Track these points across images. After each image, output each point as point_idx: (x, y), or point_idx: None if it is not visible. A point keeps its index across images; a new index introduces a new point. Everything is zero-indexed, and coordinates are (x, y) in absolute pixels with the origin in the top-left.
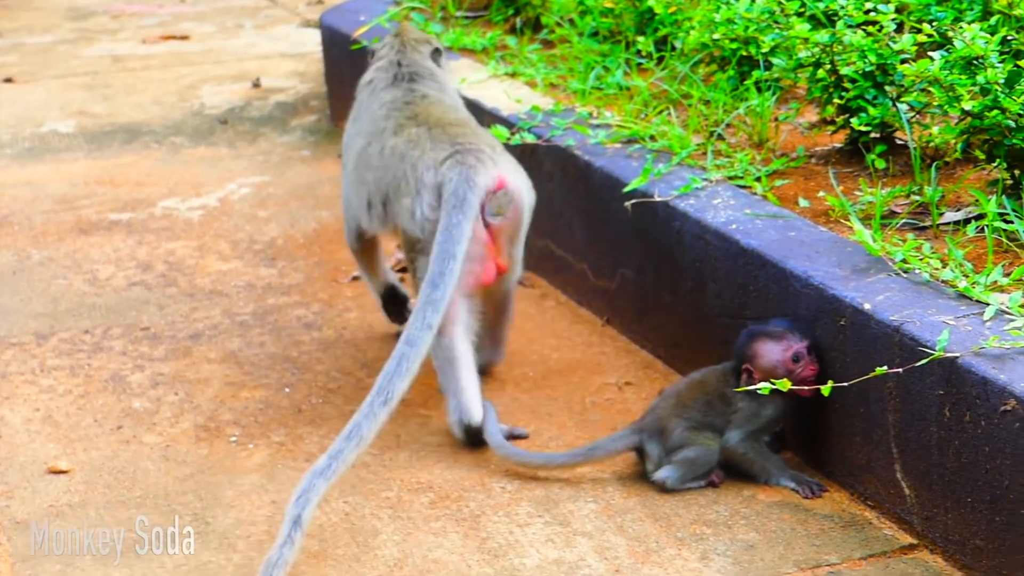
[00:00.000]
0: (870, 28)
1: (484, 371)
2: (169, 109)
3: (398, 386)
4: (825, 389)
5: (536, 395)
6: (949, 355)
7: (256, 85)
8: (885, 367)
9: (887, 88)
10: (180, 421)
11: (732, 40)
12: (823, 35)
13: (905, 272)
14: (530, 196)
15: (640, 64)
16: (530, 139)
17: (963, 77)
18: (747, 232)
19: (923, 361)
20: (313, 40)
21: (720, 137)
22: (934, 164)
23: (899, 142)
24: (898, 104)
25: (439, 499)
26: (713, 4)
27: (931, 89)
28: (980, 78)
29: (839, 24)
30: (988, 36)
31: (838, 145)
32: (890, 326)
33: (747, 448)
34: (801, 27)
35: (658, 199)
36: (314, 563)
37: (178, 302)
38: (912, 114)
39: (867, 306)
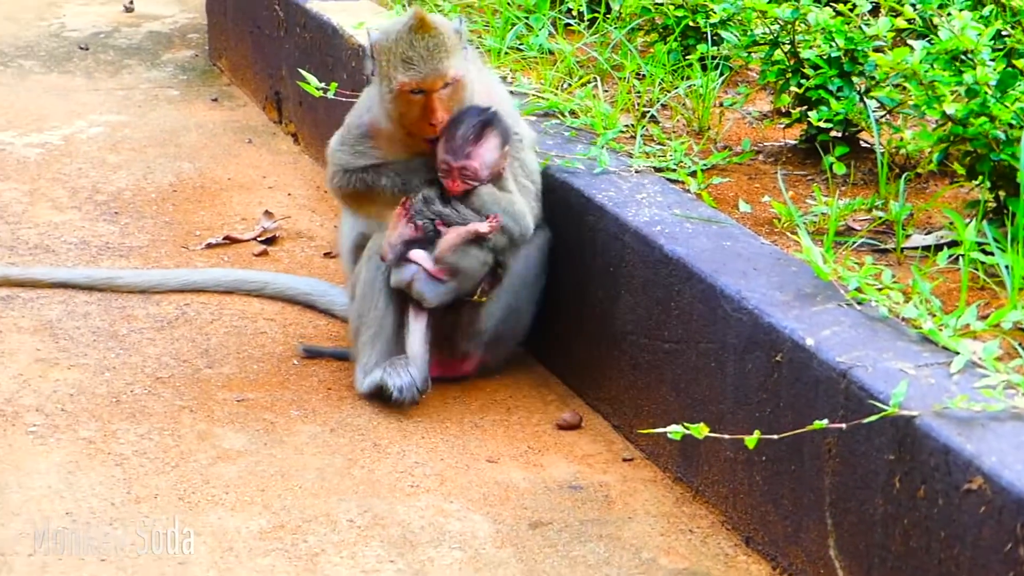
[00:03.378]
0: (840, 7)
1: None
2: (23, 27)
3: None
4: (750, 440)
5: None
6: (905, 413)
7: (129, 9)
8: (826, 421)
9: (855, 80)
10: None
11: (678, 7)
12: (784, 9)
13: (859, 303)
14: None
15: (568, 26)
16: None
17: (947, 74)
18: (673, 236)
19: (872, 417)
20: None
21: (653, 119)
22: (903, 175)
23: (864, 145)
24: (866, 100)
25: (272, 528)
26: None
27: (907, 85)
28: (968, 77)
29: None
30: (981, 28)
31: (791, 142)
32: (835, 370)
33: None
34: None
35: (571, 187)
36: None
37: None
38: (882, 113)
39: (809, 342)
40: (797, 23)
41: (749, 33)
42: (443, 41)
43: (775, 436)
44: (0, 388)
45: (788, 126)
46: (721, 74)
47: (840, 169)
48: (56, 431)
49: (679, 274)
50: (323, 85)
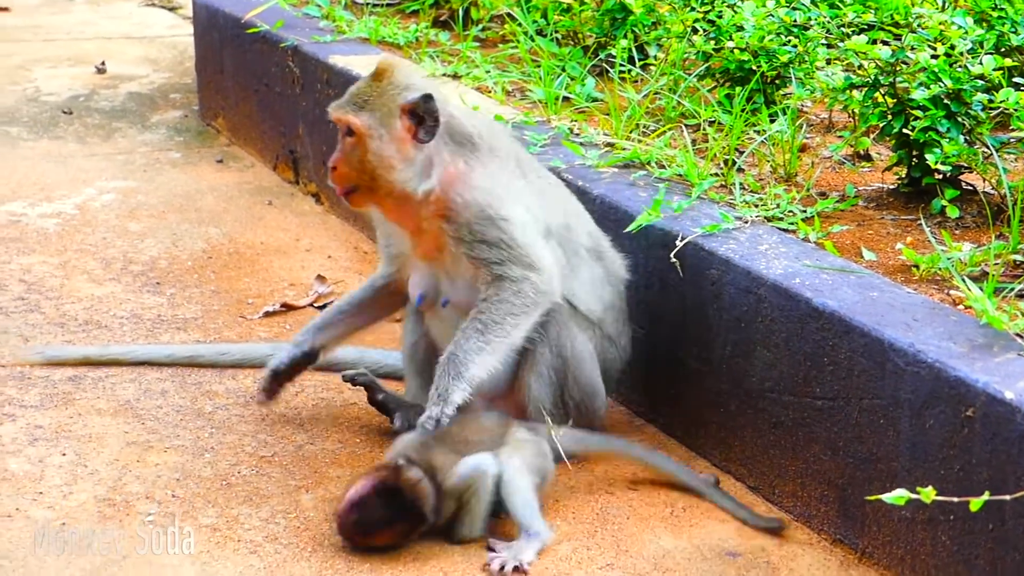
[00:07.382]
0: (936, 46)
1: None
2: None
3: None
4: (975, 503)
5: None
6: None
7: (101, 71)
8: None
9: (960, 119)
10: (74, 491)
11: (742, 50)
12: (886, 51)
13: None
14: None
15: (606, 73)
16: None
17: None
18: (816, 288)
19: None
20: (161, 22)
21: (739, 168)
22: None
23: (966, 186)
24: (982, 140)
25: None
26: (702, 8)
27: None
28: None
29: (907, 38)
30: None
31: (885, 185)
32: None
33: None
34: (858, 39)
35: (688, 240)
36: None
37: (46, 333)
38: (988, 153)
39: (1009, 395)
40: (898, 64)
41: (845, 77)
42: (377, 93)
43: (1007, 497)
44: (101, 475)
45: (888, 168)
46: (794, 119)
47: (953, 212)
48: (174, 519)
49: (834, 328)
50: None
